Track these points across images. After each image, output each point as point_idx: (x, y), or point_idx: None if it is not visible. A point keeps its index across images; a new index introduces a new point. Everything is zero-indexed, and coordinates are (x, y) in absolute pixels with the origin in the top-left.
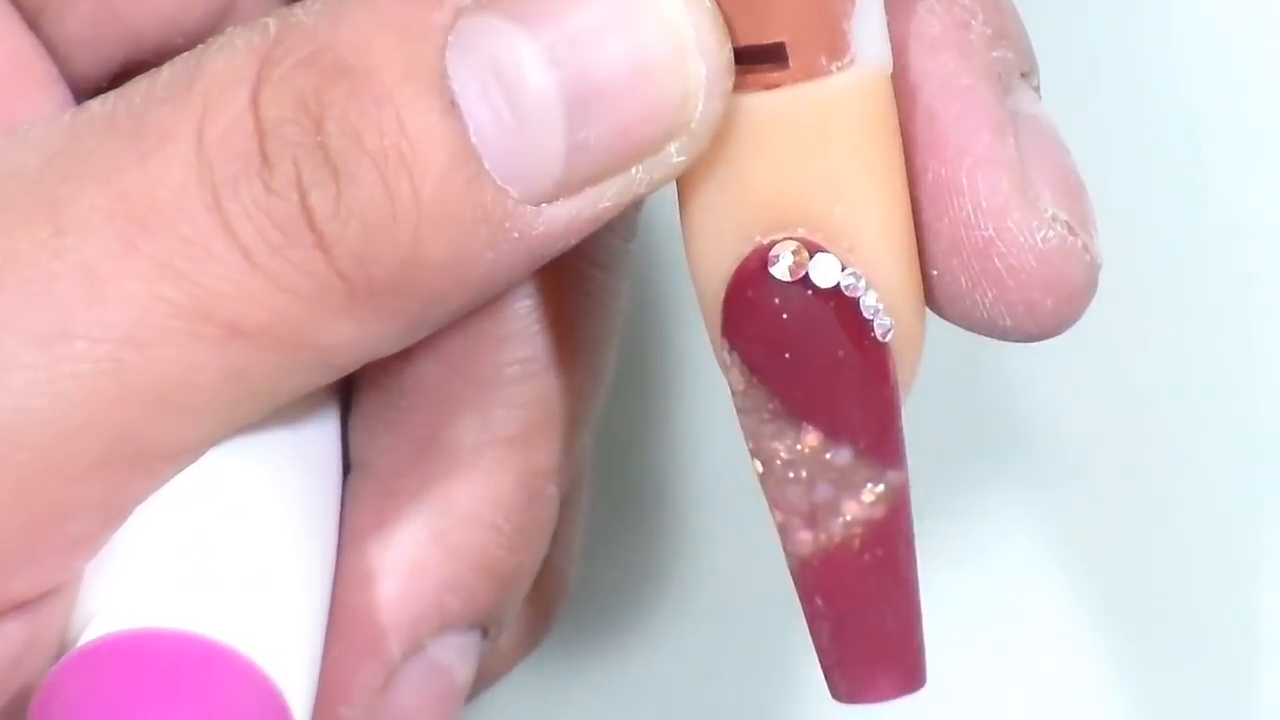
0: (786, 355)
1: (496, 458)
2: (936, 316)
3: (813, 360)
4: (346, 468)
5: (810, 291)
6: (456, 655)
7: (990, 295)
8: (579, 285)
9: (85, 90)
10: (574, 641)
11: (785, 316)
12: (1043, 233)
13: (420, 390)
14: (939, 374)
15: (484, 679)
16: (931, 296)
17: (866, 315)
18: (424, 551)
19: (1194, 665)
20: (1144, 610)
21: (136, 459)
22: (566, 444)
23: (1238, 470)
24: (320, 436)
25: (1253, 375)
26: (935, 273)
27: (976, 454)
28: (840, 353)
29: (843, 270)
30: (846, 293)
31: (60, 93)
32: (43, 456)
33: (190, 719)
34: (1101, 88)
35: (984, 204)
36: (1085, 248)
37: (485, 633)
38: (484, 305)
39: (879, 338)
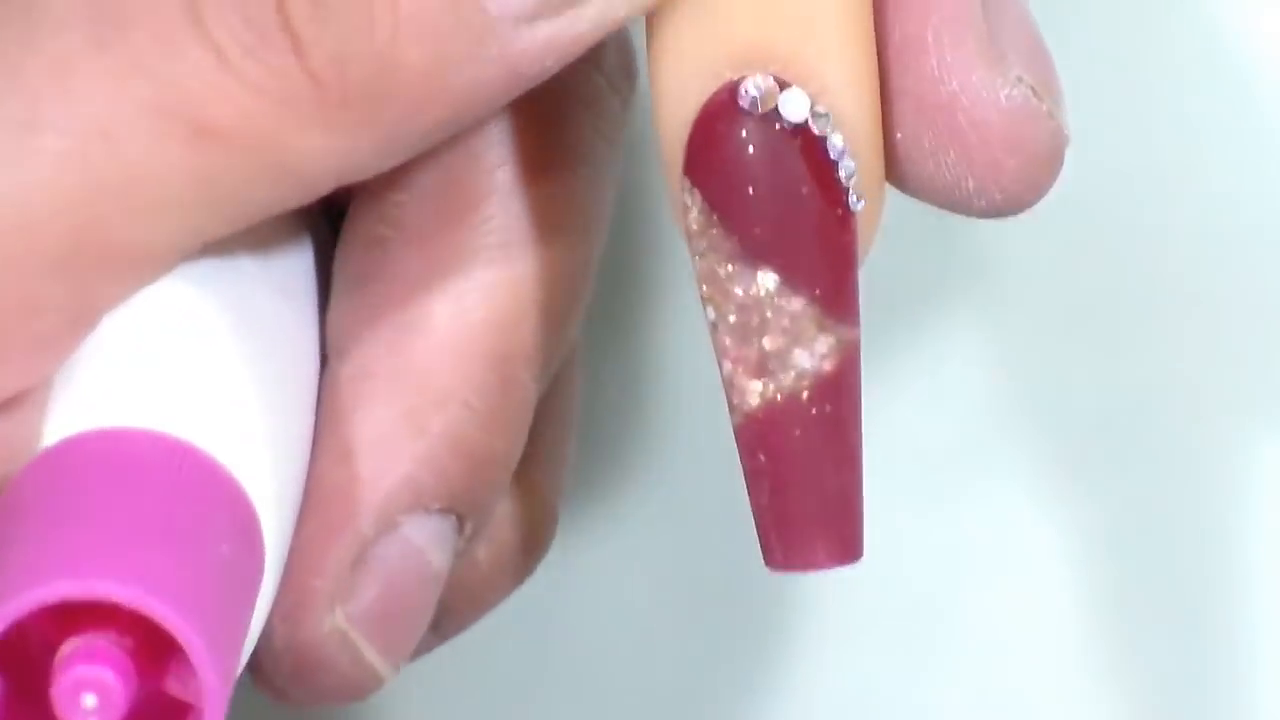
0: (750, 190)
1: (469, 338)
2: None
3: (775, 197)
4: (325, 362)
5: (778, 126)
6: (430, 539)
7: (952, 155)
8: (561, 176)
9: None
10: (561, 574)
11: (751, 150)
12: (1006, 90)
13: (396, 276)
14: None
15: (470, 609)
16: (896, 164)
17: (832, 155)
18: (396, 428)
19: (1171, 596)
20: (1104, 491)
21: (101, 257)
22: (544, 333)
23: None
24: (296, 267)
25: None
26: (899, 135)
27: (958, 355)
28: (803, 190)
29: (812, 108)
30: (814, 129)
31: None
32: (6, 244)
33: (155, 514)
34: (1107, 84)
35: (948, 59)
36: (1050, 114)
37: (462, 523)
38: (461, 191)
39: (842, 179)
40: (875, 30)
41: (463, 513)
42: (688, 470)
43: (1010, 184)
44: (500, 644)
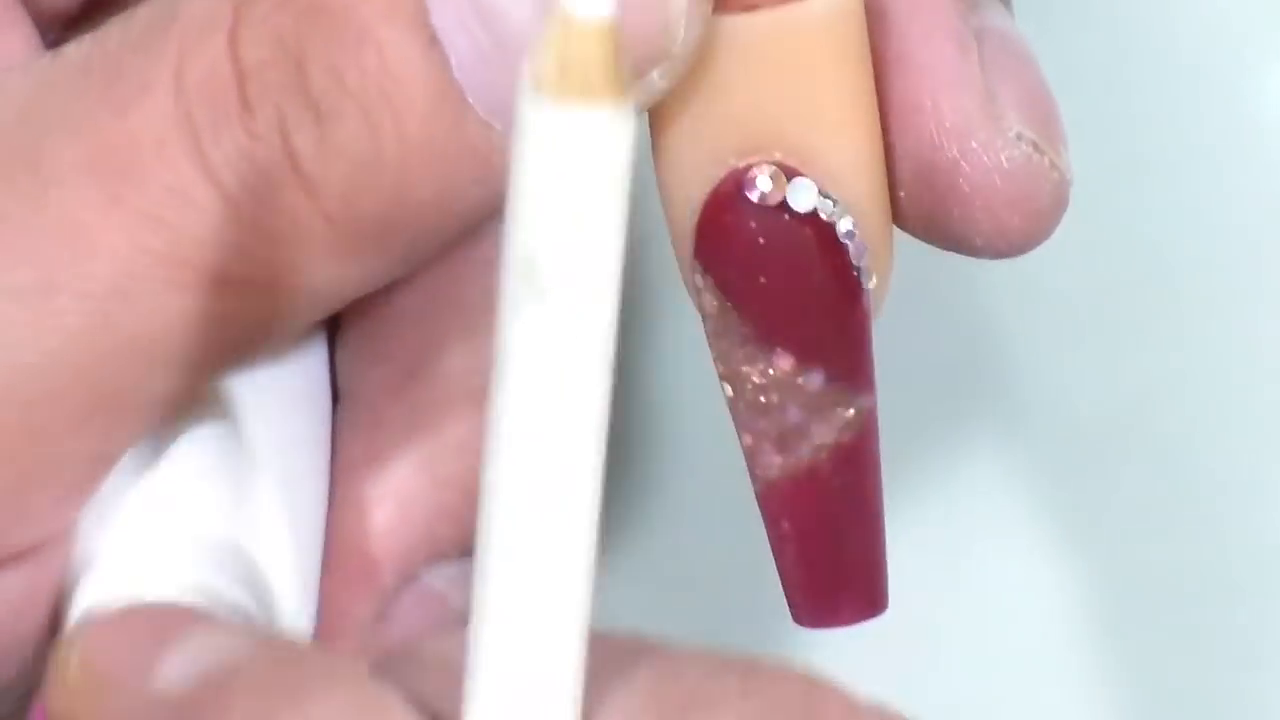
0: (761, 280)
1: (483, 384)
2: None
3: (787, 285)
4: (335, 398)
5: (787, 215)
6: (450, 583)
7: (956, 215)
8: None
9: (54, 23)
10: None
11: (761, 240)
12: (1007, 152)
13: (406, 319)
14: (920, 291)
15: None
16: (901, 216)
17: (842, 240)
18: (413, 480)
19: (1167, 599)
20: (1110, 540)
21: (123, 409)
22: None
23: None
24: (308, 367)
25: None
26: (902, 194)
27: (950, 388)
28: (815, 277)
29: (820, 195)
30: (823, 217)
31: (28, 28)
32: (31, 413)
33: None
34: (1107, 83)
35: (947, 124)
36: (1052, 165)
37: None
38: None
39: (854, 261)
40: (876, 89)
41: None
42: (688, 469)
43: (1014, 237)
44: None
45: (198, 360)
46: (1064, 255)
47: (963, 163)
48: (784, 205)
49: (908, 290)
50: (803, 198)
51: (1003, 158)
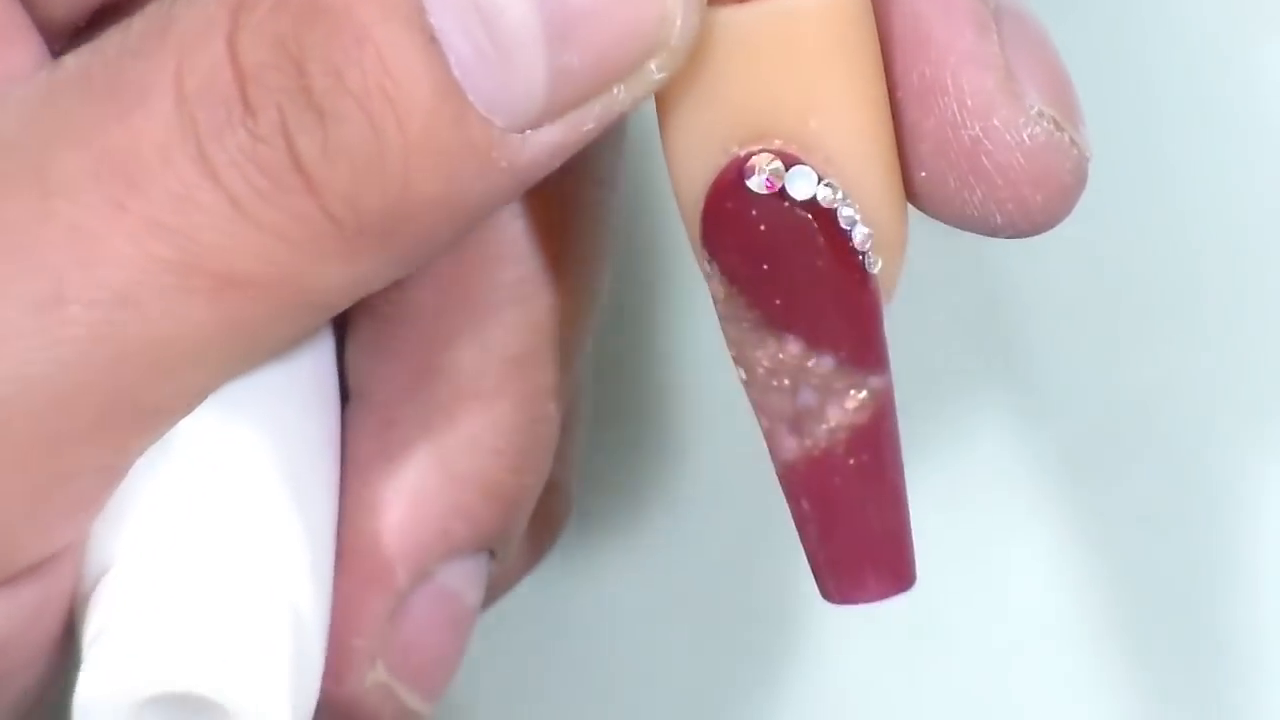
0: (765, 266)
1: (495, 380)
2: (932, 220)
3: (791, 271)
4: (345, 397)
5: (787, 203)
6: (465, 579)
7: (979, 194)
8: (572, 202)
9: (60, 35)
10: (578, 554)
11: (763, 228)
12: (1029, 129)
13: (416, 317)
14: (931, 284)
15: (489, 595)
16: (921, 198)
17: (844, 226)
18: (427, 479)
19: (1174, 575)
20: (1126, 515)
21: (135, 417)
22: (565, 362)
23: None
24: (317, 367)
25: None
26: (923, 174)
27: (965, 359)
28: (819, 264)
29: (819, 182)
30: (823, 204)
31: (35, 42)
32: (42, 424)
33: None
34: (1106, 83)
35: (969, 103)
36: (1073, 142)
37: (492, 554)
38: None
39: (857, 247)
40: (893, 71)
41: (495, 548)
42: (695, 457)
43: (1037, 215)
44: (509, 637)
45: (208, 365)
46: (1077, 248)
47: (985, 140)
48: (783, 193)
49: (916, 285)
50: (801, 185)
51: (1025, 135)
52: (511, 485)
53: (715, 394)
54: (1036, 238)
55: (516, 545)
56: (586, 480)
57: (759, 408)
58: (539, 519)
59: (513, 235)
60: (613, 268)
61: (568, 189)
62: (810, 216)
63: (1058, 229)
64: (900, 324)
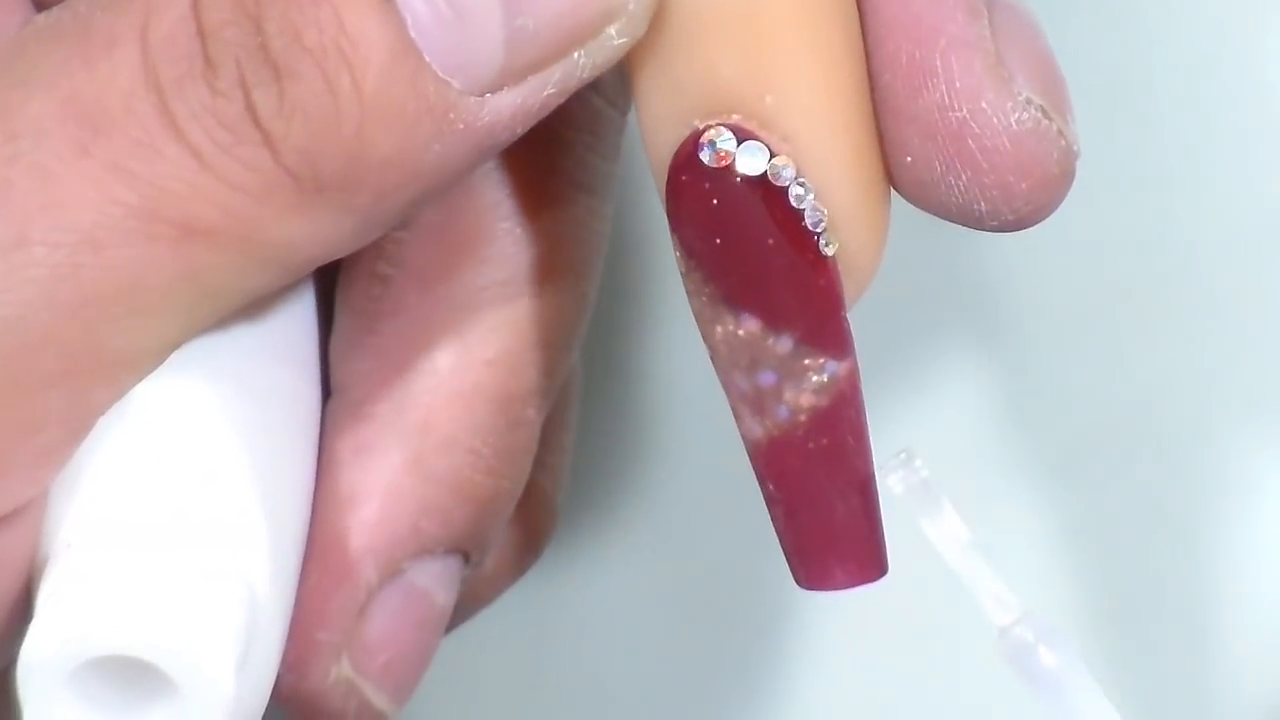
0: (718, 241)
1: (474, 381)
2: (932, 219)
3: (743, 247)
4: (327, 394)
5: (738, 179)
6: (435, 580)
7: (964, 179)
8: (561, 208)
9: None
10: (561, 566)
11: (715, 202)
12: (1016, 115)
13: (398, 314)
14: (930, 283)
15: (472, 604)
16: (906, 184)
17: (795, 205)
18: (400, 476)
19: (1172, 574)
20: (1123, 514)
21: (99, 366)
22: (548, 368)
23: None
24: (298, 357)
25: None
26: (909, 159)
27: (965, 359)
28: (770, 241)
29: (770, 159)
30: (774, 182)
31: (24, 7)
32: (7, 368)
33: None
34: (1106, 83)
35: (958, 85)
36: (1060, 133)
37: (467, 558)
38: (462, 227)
39: (810, 227)
40: (883, 53)
41: (468, 550)
42: (684, 466)
43: (1022, 205)
44: (498, 643)
45: (172, 314)
46: (1076, 247)
47: (971, 123)
48: (734, 168)
49: (915, 283)
50: (749, 161)
51: (1012, 120)
52: (487, 487)
53: (704, 399)
54: (1036, 237)
55: (493, 550)
56: (574, 484)
57: (725, 386)
58: (524, 529)
59: (500, 237)
60: (605, 276)
61: (557, 196)
62: (760, 193)
63: (1058, 229)
64: (900, 323)
